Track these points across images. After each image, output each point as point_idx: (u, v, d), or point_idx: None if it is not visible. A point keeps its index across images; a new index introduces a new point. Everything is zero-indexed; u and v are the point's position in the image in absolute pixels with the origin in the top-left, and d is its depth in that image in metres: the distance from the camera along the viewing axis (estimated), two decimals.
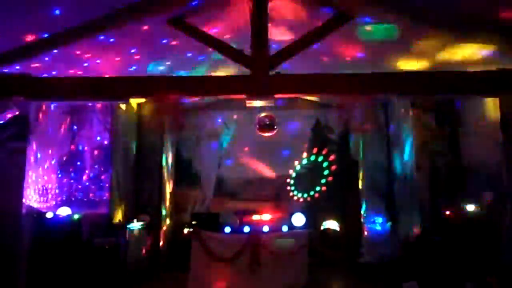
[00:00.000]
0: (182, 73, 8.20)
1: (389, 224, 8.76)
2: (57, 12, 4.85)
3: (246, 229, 7.94)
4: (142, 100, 9.45)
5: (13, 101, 5.95)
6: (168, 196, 10.22)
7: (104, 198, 8.18)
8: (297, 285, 7.48)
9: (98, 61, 6.60)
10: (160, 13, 5.63)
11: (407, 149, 8.64)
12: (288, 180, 10.89)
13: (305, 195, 10.84)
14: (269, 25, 5.67)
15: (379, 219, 8.89)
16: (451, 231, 7.19)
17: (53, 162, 7.85)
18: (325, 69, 7.76)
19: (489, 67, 5.55)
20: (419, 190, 8.10)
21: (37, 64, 6.03)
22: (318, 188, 10.83)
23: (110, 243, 7.65)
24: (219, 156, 11.06)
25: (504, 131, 5.98)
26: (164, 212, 9.82)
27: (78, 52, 6.09)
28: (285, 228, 8.05)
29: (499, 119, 6.12)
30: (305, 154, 11.01)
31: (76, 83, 6.02)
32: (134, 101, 9.40)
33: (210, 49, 6.44)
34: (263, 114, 7.75)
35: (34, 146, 7.34)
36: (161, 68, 7.78)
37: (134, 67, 7.29)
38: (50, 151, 7.79)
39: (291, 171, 10.90)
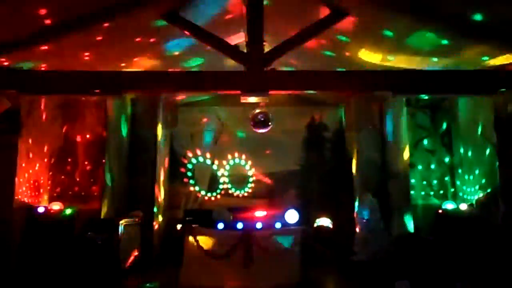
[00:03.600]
0: None
1: (382, 222, 8.76)
2: (50, 5, 4.79)
3: (239, 225, 7.91)
4: (136, 94, 9.40)
5: (5, 95, 5.90)
6: (161, 192, 10.18)
7: (97, 193, 8.13)
8: (290, 282, 7.47)
9: (91, 55, 6.53)
10: (154, 8, 5.58)
11: (402, 147, 8.66)
12: (282, 177, 10.87)
13: (299, 192, 10.84)
14: (264, 21, 5.65)
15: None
16: (444, 229, 7.23)
17: (45, 157, 7.78)
18: None
19: None
20: (412, 188, 8.13)
21: (29, 58, 5.97)
22: (312, 186, 10.83)
23: (102, 239, 7.62)
24: (213, 152, 11.02)
25: (498, 130, 6.00)
26: (157, 208, 9.78)
27: (71, 46, 6.02)
28: (278, 225, 8.03)
29: (493, 118, 6.14)
30: (299, 151, 11.00)
31: (69, 77, 5.97)
32: (128, 96, 9.32)
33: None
34: (257, 111, 7.73)
35: (26, 141, 7.27)
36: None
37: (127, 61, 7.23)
38: (42, 146, 7.72)
39: (285, 168, 10.88)
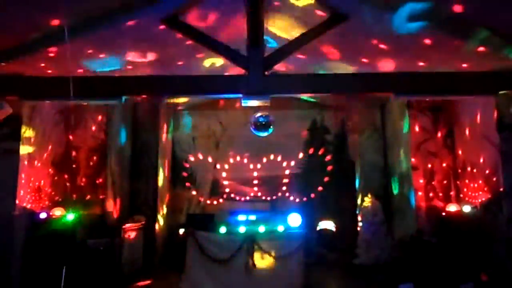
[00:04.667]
0: None
1: (384, 225, 8.73)
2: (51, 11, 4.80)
3: (242, 229, 7.89)
4: (137, 99, 9.40)
5: (7, 101, 5.90)
6: (163, 196, 10.16)
7: (99, 198, 8.12)
8: (293, 286, 7.44)
9: (92, 60, 6.53)
10: (154, 12, 5.58)
11: (403, 149, 8.63)
12: (284, 181, 10.86)
13: (301, 196, 10.81)
14: (265, 24, 5.65)
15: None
16: (447, 232, 7.18)
17: (47, 162, 7.77)
18: None
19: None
20: (415, 191, 8.09)
21: (30, 63, 5.97)
22: (314, 189, 10.81)
23: (104, 244, 7.60)
24: (214, 156, 11.02)
25: (500, 131, 5.96)
26: (159, 213, 9.77)
27: (72, 51, 6.02)
28: (281, 229, 8.01)
29: (495, 119, 6.11)
30: (301, 155, 10.98)
31: (70, 83, 5.97)
32: (129, 101, 9.31)
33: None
34: (258, 114, 7.72)
35: (28, 146, 7.26)
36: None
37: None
38: (44, 151, 7.70)
39: (287, 172, 10.87)
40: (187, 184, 10.88)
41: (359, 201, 9.75)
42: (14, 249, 6.53)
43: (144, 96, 8.23)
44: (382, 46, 6.20)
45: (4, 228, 6.25)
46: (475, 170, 7.33)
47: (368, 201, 8.94)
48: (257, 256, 7.55)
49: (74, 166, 8.14)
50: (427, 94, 6.27)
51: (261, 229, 7.92)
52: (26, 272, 6.76)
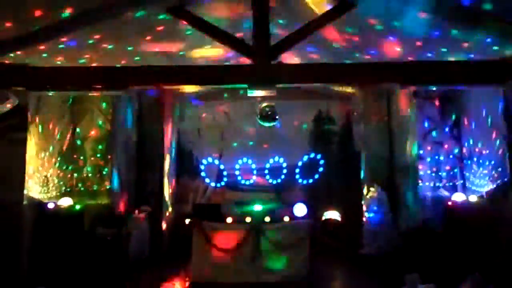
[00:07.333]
0: None
1: (390, 215, 8.73)
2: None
3: (248, 219, 7.92)
4: (143, 89, 9.39)
5: (13, 92, 5.92)
6: (169, 186, 10.20)
7: (105, 188, 8.16)
8: (298, 275, 7.49)
9: (97, 50, 6.52)
10: (160, 1, 5.55)
11: (410, 139, 8.60)
12: (289, 171, 10.85)
13: (307, 186, 10.81)
14: (271, 14, 5.61)
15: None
16: (453, 222, 7.18)
17: (54, 153, 7.81)
18: None
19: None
20: (421, 181, 8.08)
21: (35, 54, 5.97)
22: (320, 179, 10.80)
23: (111, 234, 7.66)
24: (220, 146, 11.02)
25: (507, 120, 5.93)
26: (165, 203, 9.81)
27: (77, 42, 6.02)
28: (286, 219, 8.04)
29: (502, 109, 6.08)
30: (306, 145, 10.96)
31: (75, 73, 5.99)
32: (134, 91, 9.30)
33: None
34: (264, 104, 7.71)
35: (35, 137, 7.30)
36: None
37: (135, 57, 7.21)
38: (51, 142, 7.74)
39: (292, 162, 10.86)
40: (193, 174, 10.90)
41: (364, 191, 9.74)
42: (23, 239, 6.60)
43: (149, 86, 8.22)
44: (389, 34, 6.15)
45: (12, 218, 6.31)
46: (481, 160, 7.30)
47: (373, 191, 8.94)
48: (262, 245, 7.58)
49: (81, 156, 8.17)
50: (434, 83, 6.23)
51: (267, 218, 7.95)
52: (35, 261, 6.83)
